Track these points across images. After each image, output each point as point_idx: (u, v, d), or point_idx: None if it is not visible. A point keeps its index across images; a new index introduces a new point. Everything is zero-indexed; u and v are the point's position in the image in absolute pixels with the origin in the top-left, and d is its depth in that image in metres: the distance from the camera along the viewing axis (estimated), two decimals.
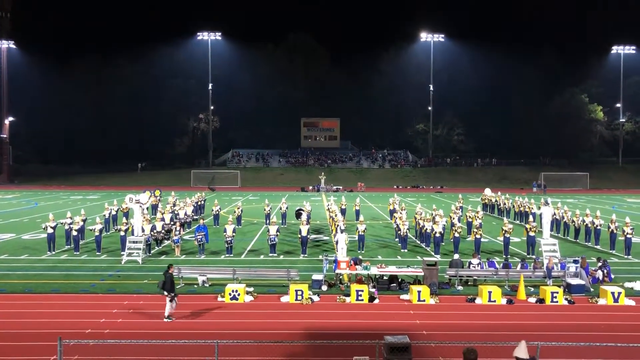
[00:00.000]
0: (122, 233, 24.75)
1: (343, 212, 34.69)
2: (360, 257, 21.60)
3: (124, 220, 27.36)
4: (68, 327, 14.49)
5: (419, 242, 28.29)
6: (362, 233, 25.75)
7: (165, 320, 15.19)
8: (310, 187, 71.17)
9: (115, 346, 12.77)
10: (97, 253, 24.88)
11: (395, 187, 76.35)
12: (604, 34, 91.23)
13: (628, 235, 25.03)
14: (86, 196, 58.21)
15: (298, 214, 35.04)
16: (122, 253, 23.74)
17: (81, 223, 26.37)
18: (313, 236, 29.27)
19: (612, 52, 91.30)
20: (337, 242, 22.53)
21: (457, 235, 25.39)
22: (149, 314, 15.98)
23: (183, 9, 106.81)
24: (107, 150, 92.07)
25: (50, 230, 25.19)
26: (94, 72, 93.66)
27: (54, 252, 25.07)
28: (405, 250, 26.25)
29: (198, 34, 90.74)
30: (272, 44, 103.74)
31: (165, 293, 15.33)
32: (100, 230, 25.53)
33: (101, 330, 14.41)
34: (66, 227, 26.16)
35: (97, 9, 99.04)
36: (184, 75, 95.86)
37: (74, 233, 25.51)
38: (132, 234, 24.26)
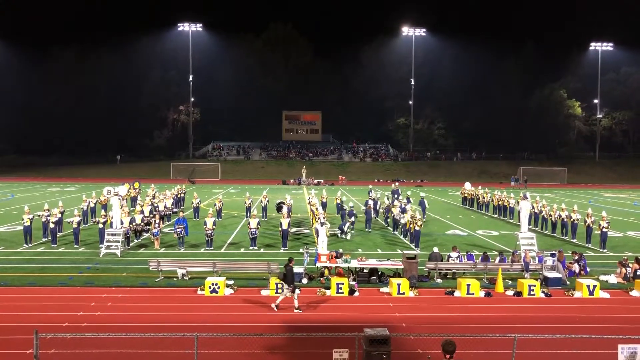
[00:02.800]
0: (101, 225, 24.47)
1: (324, 205, 34.73)
2: (341, 250, 21.67)
3: (103, 212, 27.01)
4: (45, 320, 14.31)
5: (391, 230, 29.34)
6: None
7: (295, 311, 15.45)
8: (292, 180, 71.07)
9: (93, 339, 12.62)
10: (75, 246, 24.60)
11: (375, 180, 76.63)
12: (583, 31, 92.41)
13: (604, 229, 25.45)
14: (64, 188, 57.38)
15: (279, 207, 34.96)
16: (101, 246, 23.50)
17: (59, 215, 26.03)
18: (294, 229, 29.27)
19: (591, 48, 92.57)
20: (317, 235, 22.56)
21: (417, 228, 25.52)
22: (128, 307, 15.85)
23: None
24: (85, 142, 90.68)
25: (26, 223, 24.80)
26: (73, 63, 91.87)
27: (30, 245, 24.68)
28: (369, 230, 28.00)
29: (179, 24, 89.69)
30: (254, 35, 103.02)
31: (286, 286, 15.65)
32: (78, 223, 25.23)
33: (79, 324, 14.25)
34: (43, 219, 25.78)
35: None
36: (164, 67, 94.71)
37: (51, 225, 25.16)
38: (111, 227, 24.00)
